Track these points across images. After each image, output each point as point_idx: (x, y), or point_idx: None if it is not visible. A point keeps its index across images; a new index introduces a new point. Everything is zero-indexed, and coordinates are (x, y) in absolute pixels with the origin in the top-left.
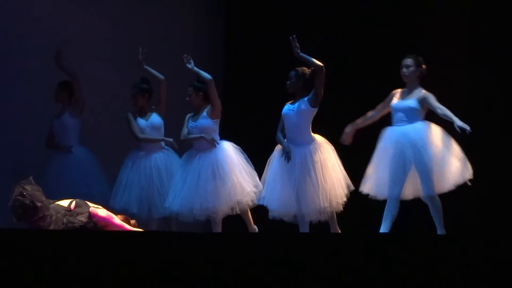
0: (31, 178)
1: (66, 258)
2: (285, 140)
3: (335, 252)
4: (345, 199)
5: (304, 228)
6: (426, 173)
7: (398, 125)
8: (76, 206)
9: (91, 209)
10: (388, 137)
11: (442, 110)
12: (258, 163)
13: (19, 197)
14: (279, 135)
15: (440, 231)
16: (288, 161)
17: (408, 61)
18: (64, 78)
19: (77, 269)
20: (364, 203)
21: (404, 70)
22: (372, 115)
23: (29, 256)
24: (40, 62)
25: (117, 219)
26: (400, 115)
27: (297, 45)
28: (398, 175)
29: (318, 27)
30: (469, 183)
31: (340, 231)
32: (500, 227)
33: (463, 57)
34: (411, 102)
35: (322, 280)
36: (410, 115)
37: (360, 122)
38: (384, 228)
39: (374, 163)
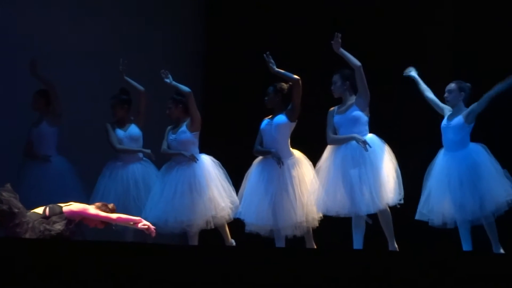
0: (8, 185)
1: (42, 267)
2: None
3: (310, 268)
4: (321, 215)
5: (280, 243)
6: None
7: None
8: (50, 211)
9: (64, 209)
10: (333, 155)
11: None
12: (236, 177)
13: None
14: (258, 148)
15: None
16: (280, 166)
17: (334, 77)
18: (41, 86)
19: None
20: (340, 219)
21: (332, 87)
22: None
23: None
24: (17, 71)
25: (92, 209)
26: (345, 129)
27: (272, 61)
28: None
29: (298, 42)
30: (398, 206)
31: (315, 247)
32: None
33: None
34: (352, 111)
35: None
36: (356, 126)
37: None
38: (357, 244)
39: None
